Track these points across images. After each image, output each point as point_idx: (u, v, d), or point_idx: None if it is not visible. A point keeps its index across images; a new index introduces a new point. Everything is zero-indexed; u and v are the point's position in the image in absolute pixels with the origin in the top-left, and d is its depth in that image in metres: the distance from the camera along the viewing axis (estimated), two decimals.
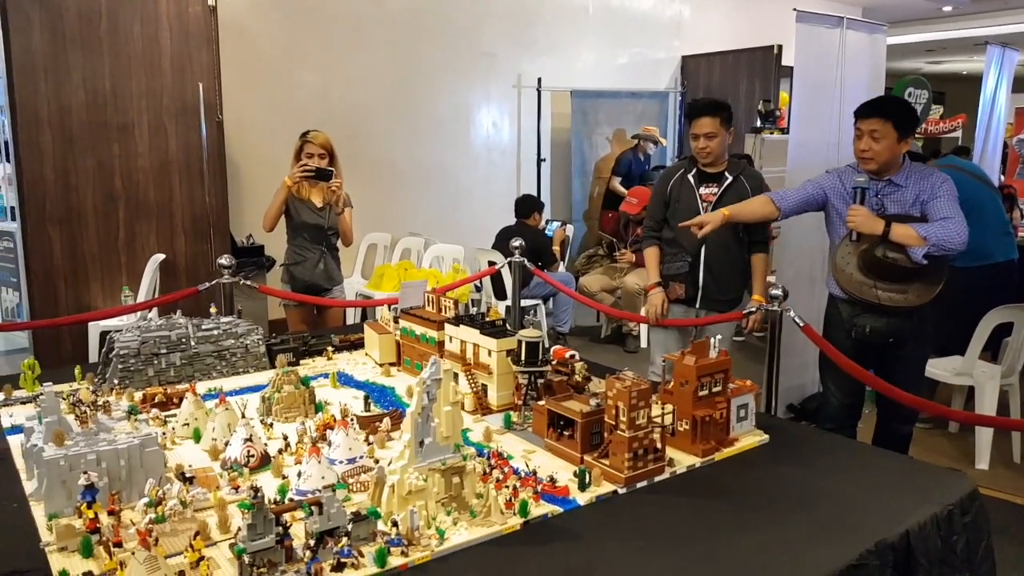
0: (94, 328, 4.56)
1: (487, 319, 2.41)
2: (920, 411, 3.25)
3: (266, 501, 1.46)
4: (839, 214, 3.02)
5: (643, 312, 3.55)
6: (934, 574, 1.71)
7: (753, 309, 3.21)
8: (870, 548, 1.58)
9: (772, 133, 7.46)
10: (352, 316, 5.51)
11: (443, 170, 7.06)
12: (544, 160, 7.67)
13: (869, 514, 1.73)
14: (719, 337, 2.11)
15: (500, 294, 5.78)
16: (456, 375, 1.83)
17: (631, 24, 8.29)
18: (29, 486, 1.78)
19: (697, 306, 3.40)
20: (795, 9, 4.24)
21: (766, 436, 2.14)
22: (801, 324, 2.94)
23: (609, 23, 8.10)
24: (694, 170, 3.37)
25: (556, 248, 6.46)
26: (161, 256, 4.74)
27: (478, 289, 6.17)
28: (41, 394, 1.88)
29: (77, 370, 2.57)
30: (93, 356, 4.51)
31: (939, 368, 4.01)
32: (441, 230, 6.65)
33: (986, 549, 1.87)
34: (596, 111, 7.85)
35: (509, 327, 2.37)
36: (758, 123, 7.70)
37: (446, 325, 2.47)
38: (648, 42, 8.47)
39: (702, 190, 3.34)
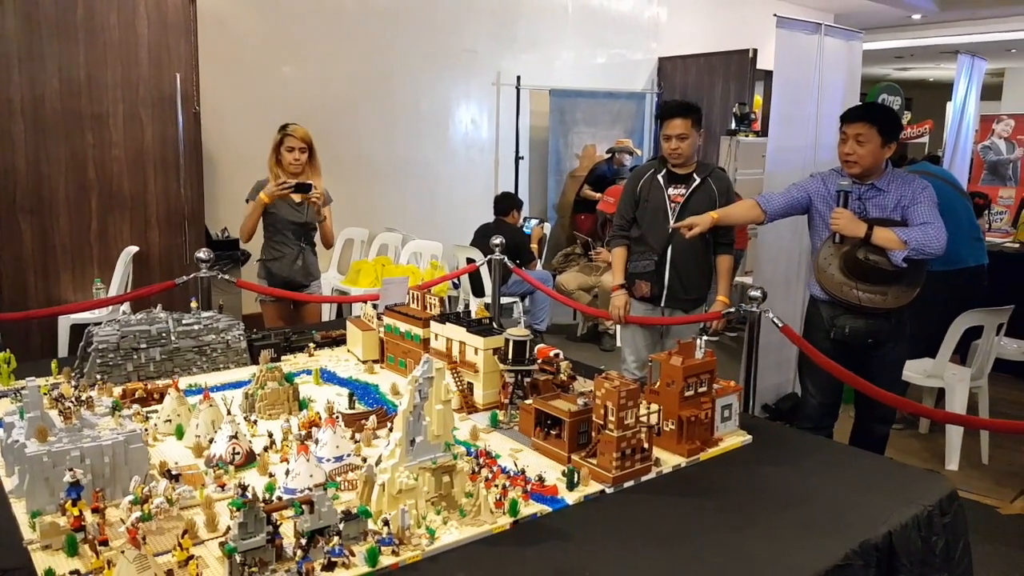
0: (64, 321, 4.47)
1: (474, 317, 2.41)
2: (900, 411, 3.31)
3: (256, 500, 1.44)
4: (822, 217, 3.07)
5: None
6: (915, 574, 1.74)
7: (732, 309, 3.26)
8: (855, 548, 1.61)
9: (747, 136, 7.53)
10: (328, 312, 5.47)
11: (422, 166, 7.03)
12: (522, 158, 7.68)
13: (852, 514, 1.76)
14: (704, 338, 2.13)
15: (478, 291, 5.77)
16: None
17: (610, 25, 8.33)
18: (9, 483, 1.74)
19: (662, 304, 3.44)
20: (776, 15, 4.29)
21: (749, 436, 2.17)
22: (780, 325, 2.99)
23: (588, 23, 8.13)
24: (664, 171, 3.41)
25: (534, 246, 6.47)
26: (134, 248, 4.65)
27: (455, 286, 6.15)
28: (21, 388, 1.83)
29: (54, 364, 2.51)
30: (63, 350, 4.42)
31: (910, 370, 4.08)
32: (419, 226, 6.62)
33: (963, 549, 1.91)
34: (574, 110, 7.88)
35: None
36: (733, 126, 7.78)
37: (432, 323, 2.46)
38: (626, 43, 8.52)
39: (670, 191, 3.38)
